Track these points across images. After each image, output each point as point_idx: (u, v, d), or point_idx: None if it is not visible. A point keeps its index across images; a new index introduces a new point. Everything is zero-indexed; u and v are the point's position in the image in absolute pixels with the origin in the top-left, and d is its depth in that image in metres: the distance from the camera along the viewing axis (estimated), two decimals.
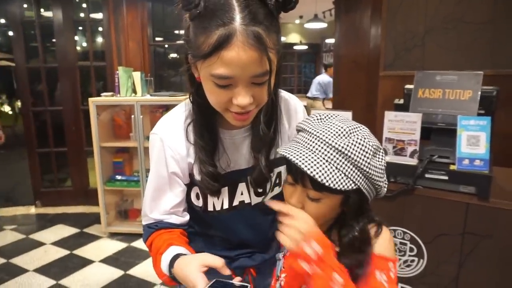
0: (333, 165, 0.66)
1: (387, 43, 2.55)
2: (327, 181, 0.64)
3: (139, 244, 2.96)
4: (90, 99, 2.92)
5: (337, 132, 0.67)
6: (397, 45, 2.48)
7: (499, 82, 1.54)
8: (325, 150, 0.67)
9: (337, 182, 0.65)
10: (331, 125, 0.69)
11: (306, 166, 0.65)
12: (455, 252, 1.40)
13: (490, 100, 1.45)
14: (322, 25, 7.09)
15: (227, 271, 0.72)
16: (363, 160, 0.67)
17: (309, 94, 6.70)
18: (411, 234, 1.51)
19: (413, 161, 1.47)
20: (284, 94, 0.94)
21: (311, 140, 0.68)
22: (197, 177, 0.85)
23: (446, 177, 1.38)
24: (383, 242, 0.73)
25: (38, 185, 3.78)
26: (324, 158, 0.66)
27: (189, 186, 0.89)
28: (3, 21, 11.12)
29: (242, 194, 0.90)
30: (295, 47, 10.82)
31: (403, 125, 1.49)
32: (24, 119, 3.78)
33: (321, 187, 0.66)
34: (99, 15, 3.62)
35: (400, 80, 2.12)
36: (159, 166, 0.85)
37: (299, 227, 0.65)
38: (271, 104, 0.82)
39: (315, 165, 0.65)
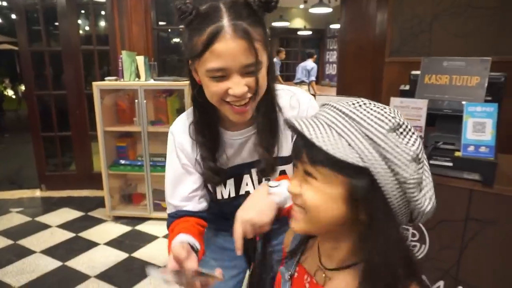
0: (334, 128, 0.53)
1: (394, 29, 2.52)
2: (319, 141, 0.52)
3: (143, 227, 3.00)
4: (94, 83, 2.92)
5: (350, 101, 0.57)
6: (404, 31, 2.45)
7: (507, 69, 1.52)
8: (330, 114, 0.55)
9: (334, 147, 0.51)
10: (349, 99, 0.58)
11: (299, 124, 0.55)
12: (457, 238, 1.41)
13: (498, 86, 1.44)
14: (327, 10, 6.99)
15: (190, 264, 0.75)
16: (374, 128, 0.52)
17: (295, 80, 7.16)
18: None
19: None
20: (285, 89, 0.97)
21: (323, 110, 0.58)
22: (199, 170, 0.94)
23: (450, 164, 1.39)
24: None
25: (43, 169, 3.81)
26: (325, 122, 0.55)
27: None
28: (5, 4, 11.05)
29: (247, 185, 0.98)
30: (299, 33, 10.70)
31: (408, 111, 1.48)
32: (28, 103, 3.78)
33: (316, 159, 0.54)
34: None
35: (406, 66, 2.10)
36: (173, 158, 0.95)
37: None
38: (268, 100, 0.88)
39: (311, 125, 0.54)
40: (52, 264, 2.49)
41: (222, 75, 0.76)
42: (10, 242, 2.79)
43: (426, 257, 1.52)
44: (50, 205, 3.52)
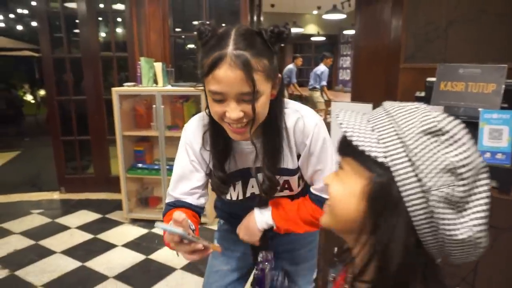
0: (371, 122, 0.54)
1: (408, 35, 2.53)
2: (348, 130, 0.52)
3: (159, 230, 3.06)
4: (113, 89, 3.00)
5: (397, 105, 0.55)
6: (418, 37, 2.46)
7: None
8: (376, 110, 0.57)
9: (362, 139, 0.51)
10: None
11: (337, 115, 0.56)
12: None
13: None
14: (341, 16, 7.01)
15: (185, 222, 0.75)
16: (407, 127, 0.49)
17: (309, 86, 7.09)
18: None
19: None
20: (293, 109, 0.99)
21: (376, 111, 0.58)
22: (205, 169, 1.02)
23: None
24: None
25: (62, 171, 3.92)
26: (366, 116, 0.56)
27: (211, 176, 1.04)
28: (26, 12, 11.39)
29: (253, 187, 1.05)
30: (313, 38, 10.72)
31: None
32: (49, 108, 3.90)
33: (346, 149, 0.55)
34: (121, 6, 3.69)
35: (421, 72, 2.11)
36: (183, 154, 1.02)
37: None
38: (273, 122, 0.93)
39: (349, 115, 0.56)
40: (72, 264, 2.56)
41: (220, 98, 0.82)
42: (32, 242, 2.88)
43: (442, 263, 1.52)
44: (69, 207, 3.61)
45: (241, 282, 1.25)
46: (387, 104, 0.56)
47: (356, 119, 0.55)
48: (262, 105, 0.85)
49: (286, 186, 1.06)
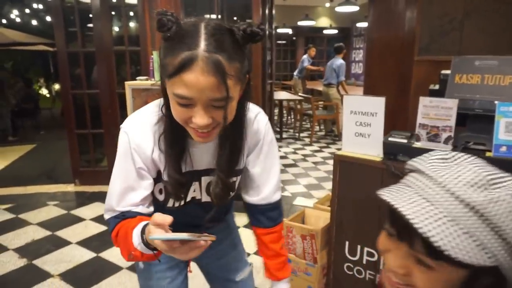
0: (461, 227, 0.46)
1: (423, 27, 2.48)
2: (450, 249, 0.45)
3: None
4: (126, 83, 3.03)
5: (472, 180, 0.48)
6: (433, 29, 2.42)
7: None
8: (451, 204, 0.47)
9: (465, 253, 0.45)
10: (462, 171, 0.50)
11: (420, 224, 0.47)
12: None
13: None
14: (354, 8, 6.91)
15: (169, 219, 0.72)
16: (509, 226, 0.46)
17: (324, 81, 6.56)
18: None
19: (448, 148, 1.47)
20: (251, 110, 0.96)
21: (430, 188, 0.50)
22: (165, 177, 0.90)
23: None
24: None
25: (77, 164, 3.99)
26: (447, 216, 0.47)
27: (156, 181, 0.93)
28: (41, 6, 11.55)
29: (194, 191, 0.98)
30: (325, 31, 10.61)
31: (438, 111, 1.47)
32: (63, 101, 3.97)
33: (438, 254, 0.47)
34: (133, 0, 3.71)
35: (435, 65, 2.08)
36: (126, 162, 0.88)
37: None
38: (237, 125, 0.88)
39: (433, 223, 0.47)
40: (87, 254, 2.62)
41: (187, 103, 0.74)
42: (48, 233, 2.96)
43: None
44: (84, 199, 3.68)
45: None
46: (455, 188, 0.48)
47: (431, 213, 0.48)
48: (232, 110, 0.79)
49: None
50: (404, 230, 0.51)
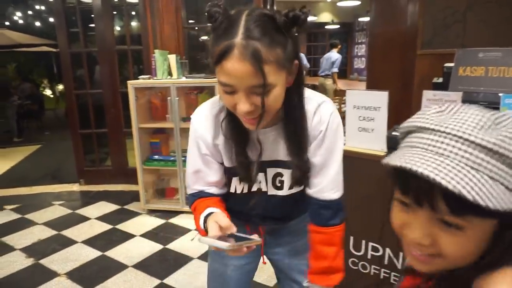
0: (483, 172, 0.44)
1: (426, 21, 2.46)
2: (481, 198, 0.42)
3: (176, 220, 3.11)
4: (129, 82, 3.04)
5: (479, 123, 0.46)
6: (436, 22, 2.39)
7: None
8: (466, 152, 0.45)
9: (496, 200, 0.42)
10: (464, 117, 0.47)
11: (443, 181, 0.43)
12: None
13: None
14: (355, 2, 6.88)
15: (233, 229, 0.81)
16: None
17: (320, 73, 6.87)
18: None
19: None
20: (311, 97, 0.95)
21: (439, 141, 0.47)
22: (226, 163, 0.98)
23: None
24: None
25: (81, 164, 4.02)
26: (467, 164, 0.44)
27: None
28: (43, 8, 11.59)
29: (260, 182, 1.00)
30: (327, 27, 10.56)
31: (442, 104, 1.46)
32: (67, 102, 3.99)
33: (463, 209, 0.44)
34: (135, 0, 3.71)
35: (438, 58, 2.06)
36: (193, 148, 0.98)
37: None
38: (294, 108, 0.89)
39: (456, 177, 0.43)
40: (92, 253, 2.64)
41: (230, 90, 0.77)
42: (54, 232, 2.98)
43: None
44: (89, 198, 3.71)
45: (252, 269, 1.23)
46: (473, 136, 0.45)
47: (465, 175, 0.44)
48: (275, 97, 0.79)
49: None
50: (422, 194, 0.47)
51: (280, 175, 0.99)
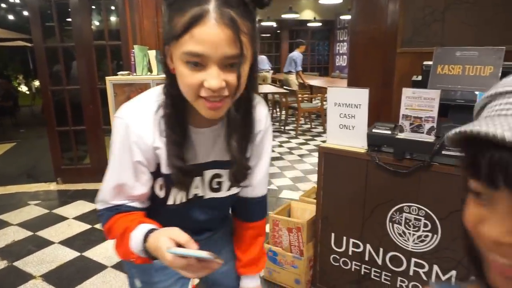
0: None
1: (406, 19, 2.49)
2: None
3: None
4: (107, 78, 2.97)
5: None
6: (416, 21, 2.43)
7: None
8: None
9: None
10: None
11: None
12: None
13: None
14: (337, 0, 6.92)
15: (193, 246, 0.69)
16: None
17: (284, 70, 7.82)
18: (425, 210, 1.53)
19: (430, 138, 1.48)
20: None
21: (495, 105, 0.40)
22: (165, 170, 0.83)
23: (463, 154, 1.39)
24: None
25: (59, 162, 3.90)
26: None
27: (154, 176, 0.86)
28: (17, 1, 11.19)
29: (197, 187, 0.90)
30: (309, 24, 10.62)
31: (421, 102, 1.48)
32: (43, 98, 3.86)
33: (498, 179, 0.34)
34: None
35: (418, 56, 2.09)
36: (123, 155, 0.81)
37: None
38: (247, 98, 0.81)
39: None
40: (70, 254, 2.56)
41: (199, 62, 0.67)
42: (29, 233, 2.88)
43: (438, 247, 1.53)
44: (66, 197, 3.60)
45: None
46: None
47: None
48: (245, 75, 0.72)
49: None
50: (496, 169, 0.34)
51: (219, 176, 0.91)
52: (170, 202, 0.89)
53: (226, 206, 1.05)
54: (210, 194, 0.93)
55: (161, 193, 0.89)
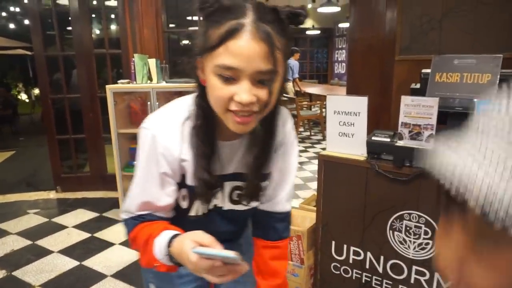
0: None
1: (403, 27, 2.51)
2: None
3: None
4: (107, 86, 2.98)
5: None
6: (414, 29, 2.45)
7: None
8: None
9: None
10: None
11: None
12: None
13: (510, 83, 1.44)
14: (335, 9, 6.97)
15: (218, 247, 0.68)
16: None
17: None
18: (426, 217, 1.53)
19: (429, 146, 1.48)
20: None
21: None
22: (190, 182, 0.83)
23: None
24: None
25: (58, 171, 3.90)
26: None
27: (179, 187, 0.87)
28: (18, 9, 11.27)
29: (217, 198, 0.89)
30: (308, 32, 10.68)
31: (419, 109, 1.49)
32: (43, 106, 3.87)
33: None
34: (113, 3, 3.65)
35: (416, 64, 2.10)
36: (150, 165, 0.81)
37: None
38: (271, 114, 0.80)
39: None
40: (69, 263, 2.55)
41: (231, 76, 0.67)
42: (28, 242, 2.87)
43: None
44: (66, 206, 3.59)
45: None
46: None
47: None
48: (276, 92, 0.71)
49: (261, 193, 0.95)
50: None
51: (239, 188, 0.90)
52: (192, 213, 0.89)
53: (246, 219, 1.04)
54: (229, 206, 0.92)
55: (184, 204, 0.89)
